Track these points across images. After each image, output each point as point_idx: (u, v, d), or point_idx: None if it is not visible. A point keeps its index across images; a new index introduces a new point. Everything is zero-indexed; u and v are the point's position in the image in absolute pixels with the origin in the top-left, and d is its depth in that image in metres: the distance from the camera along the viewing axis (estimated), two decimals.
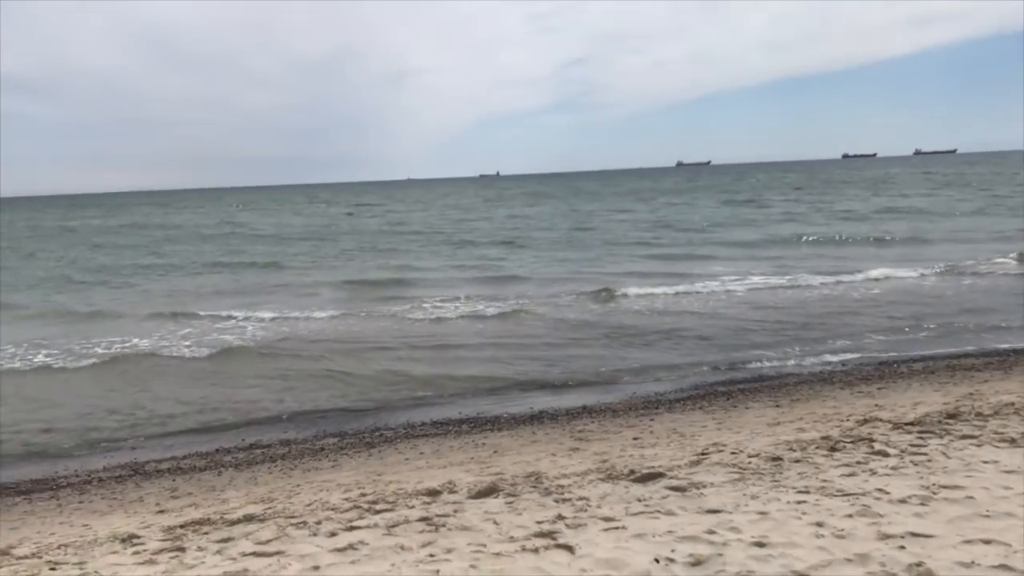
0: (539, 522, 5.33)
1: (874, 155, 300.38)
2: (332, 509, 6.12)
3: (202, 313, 19.94)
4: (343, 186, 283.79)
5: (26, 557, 5.73)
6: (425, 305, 20.03)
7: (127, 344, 16.51)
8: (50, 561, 5.55)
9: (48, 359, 15.34)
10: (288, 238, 46.83)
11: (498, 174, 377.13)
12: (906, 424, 7.49)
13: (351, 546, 5.14)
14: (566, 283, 23.18)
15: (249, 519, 6.09)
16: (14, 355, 15.80)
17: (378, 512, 5.87)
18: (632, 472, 6.44)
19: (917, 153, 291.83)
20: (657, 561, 4.51)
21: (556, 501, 5.81)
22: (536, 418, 10.40)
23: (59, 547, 5.99)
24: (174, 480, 8.58)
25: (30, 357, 15.56)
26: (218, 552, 5.30)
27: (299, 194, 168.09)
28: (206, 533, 5.81)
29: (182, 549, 5.44)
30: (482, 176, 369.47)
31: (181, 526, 6.12)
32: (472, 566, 4.64)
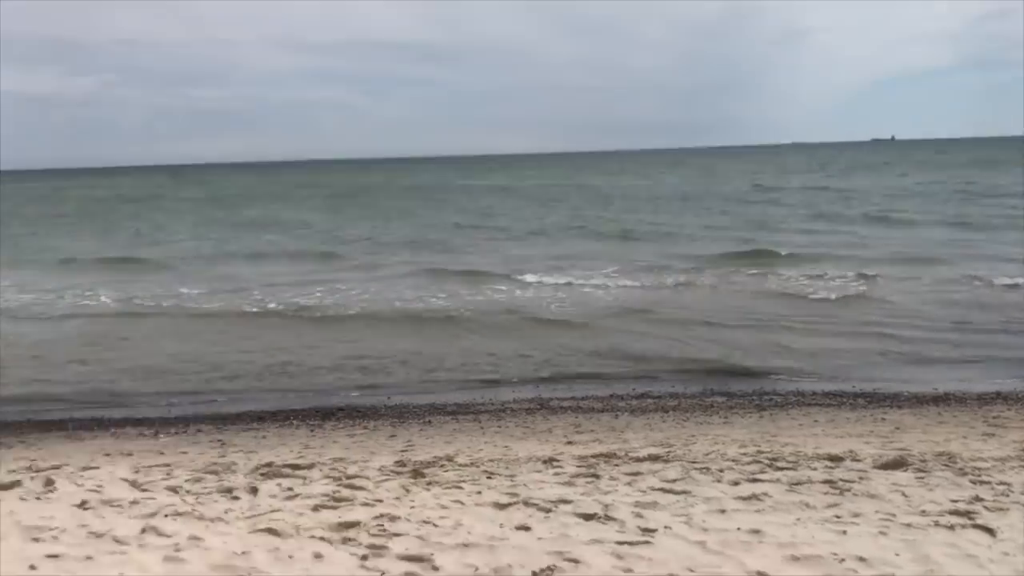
0: (953, 500, 5.15)
1: None
2: (732, 460, 6.38)
3: (576, 273, 21.07)
4: (720, 151, 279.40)
5: (466, 465, 6.72)
6: (796, 277, 19.52)
7: (510, 298, 18.19)
8: (486, 471, 6.46)
9: (445, 303, 17.50)
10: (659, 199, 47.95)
11: (893, 138, 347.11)
12: None
13: (755, 496, 5.36)
14: (956, 264, 20.90)
15: (654, 459, 6.57)
16: (418, 298, 18.11)
17: (779, 469, 6.03)
18: None
19: None
20: None
21: (972, 483, 5.55)
22: (941, 399, 9.79)
23: (490, 460, 6.92)
24: (576, 417, 9.42)
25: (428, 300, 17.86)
26: (628, 484, 5.82)
27: (670, 159, 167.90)
28: (616, 465, 6.38)
29: (596, 476, 6.05)
30: (875, 140, 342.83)
31: (592, 456, 6.78)
32: (882, 532, 4.64)
